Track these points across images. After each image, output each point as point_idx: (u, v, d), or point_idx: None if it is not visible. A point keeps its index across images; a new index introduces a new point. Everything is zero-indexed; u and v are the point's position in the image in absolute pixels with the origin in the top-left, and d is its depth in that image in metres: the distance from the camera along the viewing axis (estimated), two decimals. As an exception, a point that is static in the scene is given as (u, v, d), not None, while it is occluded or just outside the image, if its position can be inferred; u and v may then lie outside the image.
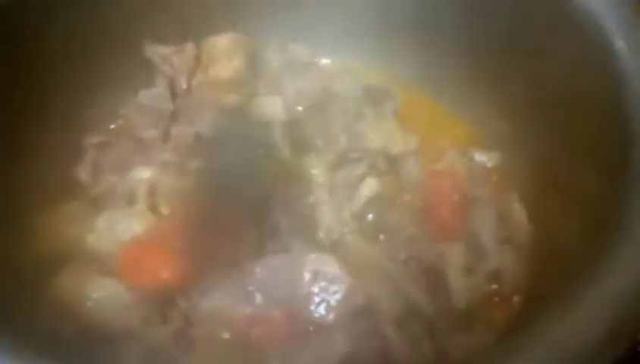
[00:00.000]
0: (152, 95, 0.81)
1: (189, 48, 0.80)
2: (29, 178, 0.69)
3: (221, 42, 0.82)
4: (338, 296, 0.67)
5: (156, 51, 0.79)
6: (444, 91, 0.88)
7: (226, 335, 0.66)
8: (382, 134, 0.78)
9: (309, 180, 0.75)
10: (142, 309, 0.64)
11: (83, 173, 0.74)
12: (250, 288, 0.67)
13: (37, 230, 0.67)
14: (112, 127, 0.80)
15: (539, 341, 0.50)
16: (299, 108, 0.80)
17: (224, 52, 0.83)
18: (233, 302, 0.67)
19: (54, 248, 0.68)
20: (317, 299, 0.67)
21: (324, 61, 0.91)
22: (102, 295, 0.63)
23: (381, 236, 0.74)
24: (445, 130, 0.86)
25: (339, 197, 0.74)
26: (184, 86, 0.82)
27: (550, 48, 0.70)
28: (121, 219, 0.69)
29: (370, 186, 0.73)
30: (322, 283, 0.67)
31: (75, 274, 0.65)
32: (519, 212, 0.74)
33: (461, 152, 0.82)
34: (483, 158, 0.82)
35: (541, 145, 0.75)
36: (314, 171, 0.75)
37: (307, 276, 0.68)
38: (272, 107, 0.80)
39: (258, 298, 0.67)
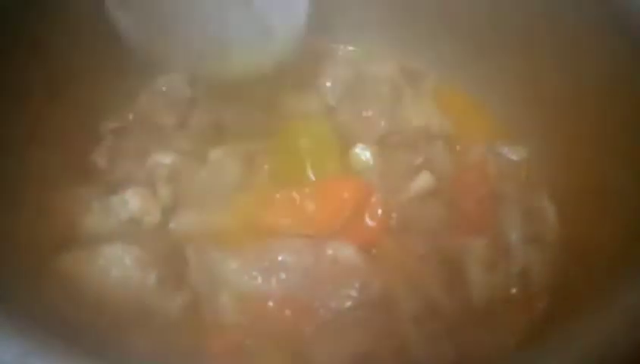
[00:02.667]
0: (171, 81, 0.79)
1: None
2: (48, 160, 0.68)
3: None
4: (356, 284, 0.65)
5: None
6: (471, 81, 0.84)
7: (238, 314, 0.65)
8: (423, 113, 0.76)
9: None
10: (156, 268, 0.62)
11: (99, 158, 0.73)
12: (268, 267, 0.66)
13: (51, 210, 0.66)
14: (130, 112, 0.79)
15: (566, 346, 0.47)
16: (333, 97, 0.77)
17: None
18: (249, 278, 0.66)
19: (65, 228, 0.67)
20: (334, 286, 0.65)
21: (350, 49, 0.89)
22: (112, 257, 0.61)
23: (401, 228, 0.72)
24: (473, 122, 0.83)
25: (390, 185, 0.72)
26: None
27: (584, 40, 0.67)
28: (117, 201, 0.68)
29: (425, 180, 0.71)
30: (341, 270, 0.65)
31: (81, 249, 0.63)
32: (547, 210, 0.71)
33: (488, 144, 0.79)
34: (510, 152, 0.79)
35: (572, 141, 0.72)
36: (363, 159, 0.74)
37: (326, 261, 0.66)
38: (304, 100, 0.78)
39: (275, 279, 0.66)
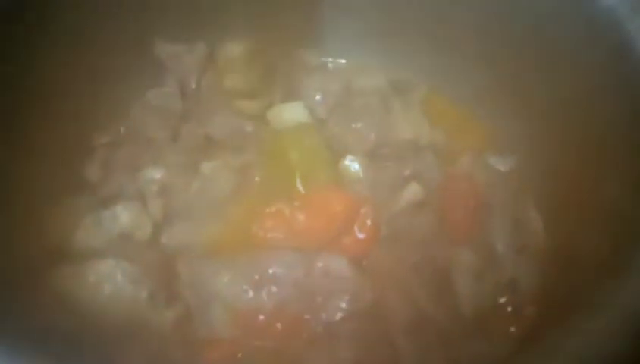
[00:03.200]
0: (162, 95, 0.80)
1: (201, 47, 0.79)
2: (39, 174, 0.68)
3: (238, 51, 0.80)
4: (347, 296, 0.66)
5: (166, 50, 0.79)
6: (459, 92, 0.86)
7: (230, 327, 0.65)
8: (411, 125, 0.77)
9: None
10: (148, 283, 0.62)
11: (91, 172, 0.73)
12: (259, 281, 0.66)
13: (42, 224, 0.66)
14: (121, 126, 0.79)
15: (556, 355, 0.48)
16: (323, 110, 0.78)
17: (240, 63, 0.82)
18: (240, 291, 0.66)
19: (56, 242, 0.67)
20: (325, 298, 0.66)
21: (340, 62, 0.90)
22: (104, 273, 0.61)
23: (391, 239, 0.72)
24: (460, 131, 0.84)
25: (380, 197, 0.73)
26: (194, 85, 0.81)
27: (571, 52, 0.68)
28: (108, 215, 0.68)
29: (414, 192, 0.72)
30: (332, 282, 0.66)
31: (73, 264, 0.63)
32: (535, 220, 0.72)
33: (476, 155, 0.80)
34: (498, 162, 0.81)
35: (559, 151, 0.73)
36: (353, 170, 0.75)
37: (317, 273, 0.67)
38: (294, 112, 0.79)
39: (266, 292, 0.66)
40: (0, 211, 0.61)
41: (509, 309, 0.68)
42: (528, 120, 0.79)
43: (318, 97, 0.79)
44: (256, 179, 0.79)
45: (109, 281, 0.60)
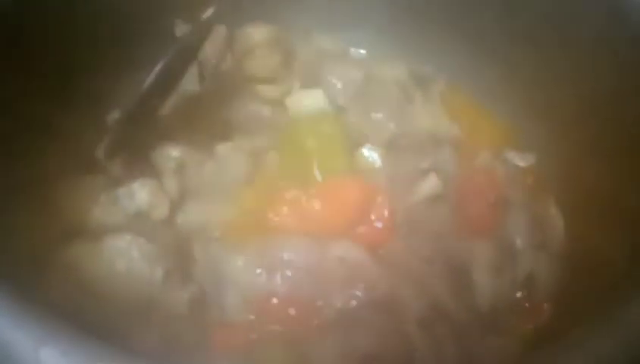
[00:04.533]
0: (180, 77, 0.78)
1: (221, 30, 0.78)
2: (53, 151, 0.67)
3: (258, 36, 0.79)
4: (362, 284, 0.65)
5: (187, 31, 0.77)
6: (479, 87, 0.85)
7: (243, 310, 0.65)
8: (431, 117, 0.76)
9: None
10: (163, 262, 0.62)
11: (106, 149, 0.72)
12: (273, 265, 0.66)
13: (58, 202, 0.65)
14: (137, 106, 0.78)
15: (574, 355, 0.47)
16: (343, 98, 0.77)
17: (261, 49, 0.81)
18: (254, 275, 0.65)
19: (72, 219, 0.66)
20: (340, 286, 0.65)
21: (361, 52, 0.89)
22: (120, 248, 0.60)
23: (407, 231, 0.72)
24: (480, 127, 0.83)
25: (397, 188, 0.72)
26: (213, 68, 0.80)
27: (596, 52, 0.67)
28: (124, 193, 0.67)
29: (432, 184, 0.70)
30: (347, 270, 0.65)
31: (88, 241, 0.63)
32: (555, 218, 0.71)
33: (495, 150, 0.80)
34: (517, 158, 0.80)
35: (581, 152, 0.72)
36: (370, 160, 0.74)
37: (332, 260, 0.66)
38: (313, 99, 0.78)
39: (280, 277, 0.66)
40: (16, 190, 0.60)
41: (526, 305, 0.67)
42: (549, 118, 0.78)
43: (338, 85, 0.78)
44: (272, 164, 0.78)
45: (124, 257, 0.59)
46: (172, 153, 0.68)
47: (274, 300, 0.65)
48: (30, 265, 0.56)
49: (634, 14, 0.63)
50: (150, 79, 0.78)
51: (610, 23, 0.65)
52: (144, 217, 0.66)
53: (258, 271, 0.66)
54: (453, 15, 0.83)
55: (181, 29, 0.80)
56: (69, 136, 0.71)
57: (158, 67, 0.75)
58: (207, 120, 0.80)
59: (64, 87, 0.71)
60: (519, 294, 0.67)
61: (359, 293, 0.64)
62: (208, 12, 0.79)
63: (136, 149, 0.74)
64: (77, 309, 0.52)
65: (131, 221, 0.65)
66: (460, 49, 0.84)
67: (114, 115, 0.78)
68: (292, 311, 0.65)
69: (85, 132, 0.74)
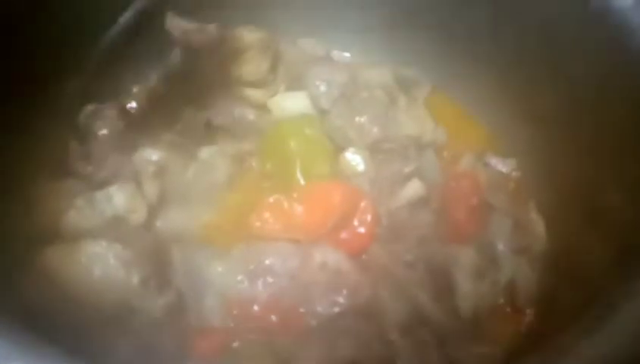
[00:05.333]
0: (164, 74, 0.77)
1: (212, 29, 0.77)
2: (29, 152, 0.65)
3: (249, 39, 0.78)
4: (344, 291, 0.64)
5: (178, 25, 0.76)
6: (463, 92, 0.85)
7: (223, 316, 0.64)
8: (416, 122, 0.76)
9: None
10: (140, 267, 0.60)
11: (84, 151, 0.71)
12: (254, 271, 0.65)
13: (32, 204, 0.64)
14: (119, 105, 0.77)
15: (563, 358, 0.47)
16: (327, 101, 0.76)
17: (251, 53, 0.79)
18: (235, 281, 0.65)
19: (46, 222, 0.64)
20: (322, 292, 0.64)
21: (345, 55, 0.89)
22: (95, 254, 0.58)
23: (389, 235, 0.71)
24: (463, 131, 0.83)
25: (380, 192, 0.72)
26: (199, 67, 0.79)
27: (582, 59, 0.67)
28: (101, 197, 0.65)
29: (416, 188, 0.70)
30: (329, 276, 0.64)
31: (63, 245, 0.60)
32: (536, 222, 0.71)
33: (477, 155, 0.80)
34: (499, 163, 0.80)
35: (562, 156, 0.72)
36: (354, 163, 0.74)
37: (314, 266, 0.65)
38: (297, 102, 0.77)
39: (261, 283, 0.65)
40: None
41: (508, 309, 0.67)
42: (530, 123, 0.78)
43: (322, 88, 0.77)
44: (255, 167, 0.78)
45: (100, 263, 0.57)
46: (152, 157, 0.66)
47: (256, 307, 0.64)
48: (3, 270, 0.54)
49: (612, 17, 0.64)
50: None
51: (588, 28, 0.65)
52: (121, 221, 0.64)
53: (240, 277, 0.65)
54: (439, 20, 0.82)
55: (172, 21, 0.78)
56: (43, 137, 0.69)
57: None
58: (190, 122, 0.78)
59: (39, 88, 0.69)
60: (501, 299, 0.67)
61: (341, 300, 0.64)
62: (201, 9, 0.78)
63: (115, 151, 0.72)
64: (51, 316, 0.51)
65: (108, 225, 0.63)
66: (445, 54, 0.84)
67: (95, 116, 0.76)
68: (273, 318, 0.64)
69: (60, 133, 0.72)
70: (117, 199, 0.64)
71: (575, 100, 0.69)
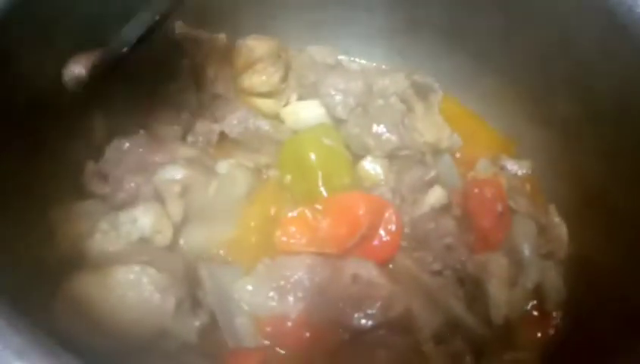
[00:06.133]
0: (176, 89, 0.75)
1: (222, 39, 0.75)
2: (49, 176, 0.63)
3: (260, 50, 0.76)
4: (378, 303, 0.63)
5: (187, 34, 0.73)
6: (476, 97, 0.86)
7: (256, 335, 0.63)
8: (433, 129, 0.76)
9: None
10: (175, 290, 0.58)
11: (103, 172, 0.69)
12: (284, 286, 0.64)
13: (55, 228, 0.62)
14: (133, 122, 0.74)
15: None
16: (343, 110, 0.76)
17: (262, 63, 0.78)
18: (265, 299, 0.64)
19: (70, 247, 0.62)
20: (355, 305, 0.63)
21: (359, 63, 0.88)
22: (129, 280, 0.56)
23: (414, 244, 0.71)
24: (476, 135, 0.84)
25: (403, 200, 0.72)
26: (210, 79, 0.77)
27: (597, 64, 0.68)
28: (126, 219, 0.64)
29: (438, 195, 0.70)
30: (361, 288, 0.64)
31: (93, 272, 0.58)
32: (559, 226, 0.72)
33: (493, 159, 0.80)
34: (514, 165, 0.81)
35: (580, 158, 0.73)
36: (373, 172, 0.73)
37: (345, 279, 0.65)
38: (311, 111, 0.76)
39: (292, 298, 0.64)
40: (13, 218, 0.56)
41: (536, 313, 0.68)
42: (543, 126, 0.79)
43: (338, 97, 0.77)
44: (273, 180, 0.76)
45: (135, 289, 0.55)
46: (176, 176, 0.64)
47: (289, 323, 0.63)
48: (36, 297, 0.52)
49: (633, 25, 0.64)
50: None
51: (608, 33, 0.66)
52: (148, 243, 0.62)
53: (270, 294, 0.65)
54: (450, 25, 0.82)
55: (181, 29, 0.76)
56: (58, 158, 0.67)
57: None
58: (204, 134, 0.77)
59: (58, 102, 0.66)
60: (529, 304, 0.68)
61: (375, 312, 0.63)
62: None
63: (135, 171, 0.70)
64: (86, 342, 0.49)
65: (135, 248, 0.61)
66: (455, 58, 0.85)
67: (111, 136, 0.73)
68: (307, 333, 0.63)
69: (75, 153, 0.69)
70: (143, 220, 0.62)
71: (593, 108, 0.69)
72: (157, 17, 0.60)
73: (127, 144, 0.71)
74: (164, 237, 0.63)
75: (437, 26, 0.83)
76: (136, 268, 0.56)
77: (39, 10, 0.61)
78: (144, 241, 0.63)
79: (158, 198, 0.65)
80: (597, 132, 0.69)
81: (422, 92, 0.79)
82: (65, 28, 0.63)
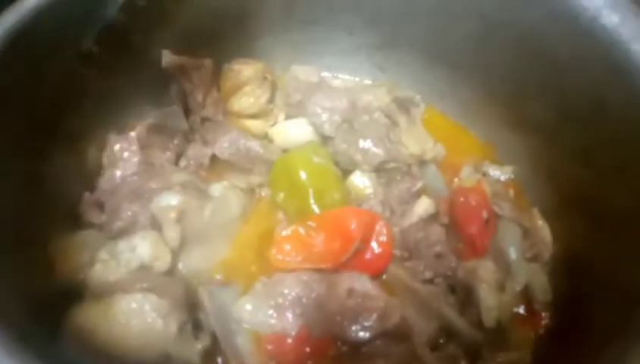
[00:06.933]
0: (165, 114, 0.77)
1: (208, 63, 0.77)
2: (45, 207, 0.64)
3: (247, 73, 0.79)
4: (374, 315, 0.66)
5: (174, 62, 0.75)
6: (456, 106, 0.88)
7: (257, 354, 0.65)
8: (417, 141, 0.78)
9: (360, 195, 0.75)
10: (177, 315, 0.60)
11: (99, 200, 0.70)
12: (282, 304, 0.66)
13: (55, 260, 0.63)
14: (124, 149, 0.76)
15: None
16: (329, 127, 0.78)
17: (250, 86, 0.81)
18: (264, 317, 0.66)
19: (69, 277, 0.64)
20: (352, 318, 0.65)
21: (342, 80, 0.90)
22: (132, 308, 0.58)
23: (404, 254, 0.74)
24: (457, 143, 0.86)
25: (392, 212, 0.74)
26: (199, 103, 0.79)
27: (573, 66, 0.70)
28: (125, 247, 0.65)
29: (426, 205, 0.73)
30: (358, 301, 0.66)
31: (96, 302, 0.60)
32: (543, 229, 0.75)
33: (475, 166, 0.83)
34: (497, 172, 0.83)
35: (559, 160, 0.76)
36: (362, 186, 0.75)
37: (341, 293, 0.67)
38: (299, 129, 0.78)
39: (291, 315, 0.66)
40: (10, 250, 0.57)
41: (526, 314, 0.71)
42: (521, 131, 0.81)
43: (324, 115, 0.79)
44: (265, 199, 0.79)
45: (138, 317, 0.57)
46: (172, 202, 0.66)
47: (289, 340, 0.65)
48: (40, 330, 0.53)
49: (601, 33, 0.67)
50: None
51: (578, 43, 0.69)
52: (147, 270, 0.64)
53: (270, 312, 0.66)
54: (426, 36, 0.84)
55: (168, 58, 0.77)
56: (54, 189, 0.68)
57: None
58: (196, 158, 0.79)
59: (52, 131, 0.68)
60: (519, 305, 0.71)
61: (371, 324, 0.65)
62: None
63: (131, 198, 0.71)
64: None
65: (135, 275, 0.63)
66: (433, 69, 0.87)
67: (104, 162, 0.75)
68: (307, 349, 0.65)
69: (70, 183, 0.71)
70: (142, 248, 0.64)
71: (564, 110, 0.72)
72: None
73: (119, 173, 0.73)
74: (163, 263, 0.65)
75: (415, 40, 0.85)
76: (138, 295, 0.58)
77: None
78: (144, 268, 0.64)
79: (155, 224, 0.67)
80: (574, 133, 0.72)
81: (405, 106, 0.82)
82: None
